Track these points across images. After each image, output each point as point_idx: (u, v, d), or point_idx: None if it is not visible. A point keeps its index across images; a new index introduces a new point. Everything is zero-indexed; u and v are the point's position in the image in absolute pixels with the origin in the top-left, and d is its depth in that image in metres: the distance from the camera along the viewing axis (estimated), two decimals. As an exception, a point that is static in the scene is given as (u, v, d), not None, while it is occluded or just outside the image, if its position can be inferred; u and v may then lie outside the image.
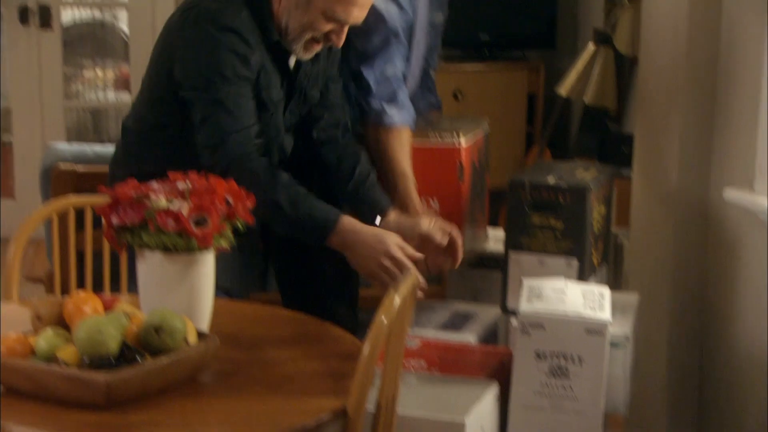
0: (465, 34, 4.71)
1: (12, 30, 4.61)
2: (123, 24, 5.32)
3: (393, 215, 2.19)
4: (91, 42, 5.49)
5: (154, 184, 1.64)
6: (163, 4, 4.73)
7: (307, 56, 2.14)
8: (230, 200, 1.65)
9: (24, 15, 4.59)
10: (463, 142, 2.35)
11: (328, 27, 2.07)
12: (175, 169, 1.70)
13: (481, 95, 4.69)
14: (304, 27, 2.07)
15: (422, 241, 2.14)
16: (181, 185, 1.64)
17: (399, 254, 2.02)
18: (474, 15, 4.70)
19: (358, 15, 2.07)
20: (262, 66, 2.08)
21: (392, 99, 2.31)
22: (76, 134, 5.16)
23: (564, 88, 3.60)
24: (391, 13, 2.29)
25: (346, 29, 2.10)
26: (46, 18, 4.61)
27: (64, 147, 2.94)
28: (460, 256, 2.19)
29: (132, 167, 2.11)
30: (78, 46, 5.38)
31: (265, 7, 2.09)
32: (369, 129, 2.33)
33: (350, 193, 2.23)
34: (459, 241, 2.18)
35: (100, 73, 5.51)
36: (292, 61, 2.17)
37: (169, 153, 2.12)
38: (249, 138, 2.03)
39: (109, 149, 3.00)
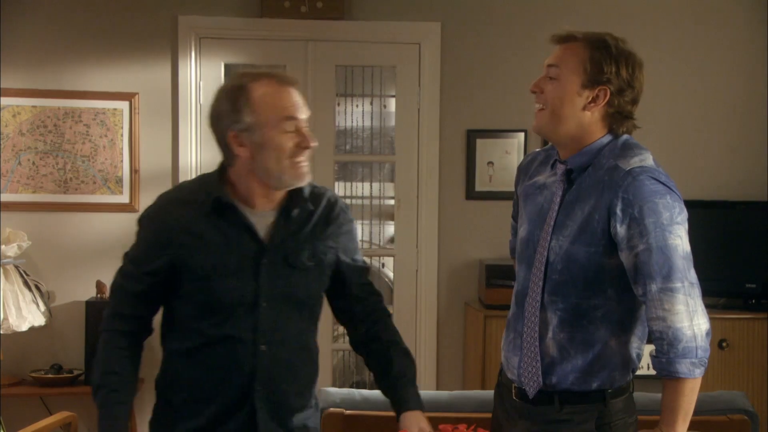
0: (731, 284, 4.62)
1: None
2: (389, 270, 5.61)
3: (413, 418, 2.24)
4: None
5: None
6: (427, 254, 4.99)
7: (304, 179, 2.26)
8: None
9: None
10: None
11: (292, 140, 2.21)
12: None
13: (749, 345, 4.52)
14: (278, 155, 2.21)
15: None
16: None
17: None
18: (740, 264, 4.63)
19: (301, 106, 2.25)
20: (193, 233, 2.24)
21: None
22: (340, 375, 5.37)
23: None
24: None
25: (305, 128, 2.24)
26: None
27: (334, 391, 3.08)
28: None
29: None
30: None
31: (215, 177, 2.31)
32: None
33: (386, 387, 2.37)
34: None
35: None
36: (260, 222, 2.27)
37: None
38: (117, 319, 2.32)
39: (375, 393, 3.12)
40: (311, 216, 2.34)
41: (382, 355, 2.40)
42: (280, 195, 2.30)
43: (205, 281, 2.24)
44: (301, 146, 2.23)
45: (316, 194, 2.38)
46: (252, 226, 2.27)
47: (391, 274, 5.38)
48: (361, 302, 2.44)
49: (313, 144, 2.25)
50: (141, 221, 2.35)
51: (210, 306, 2.25)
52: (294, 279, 2.31)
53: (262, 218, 2.28)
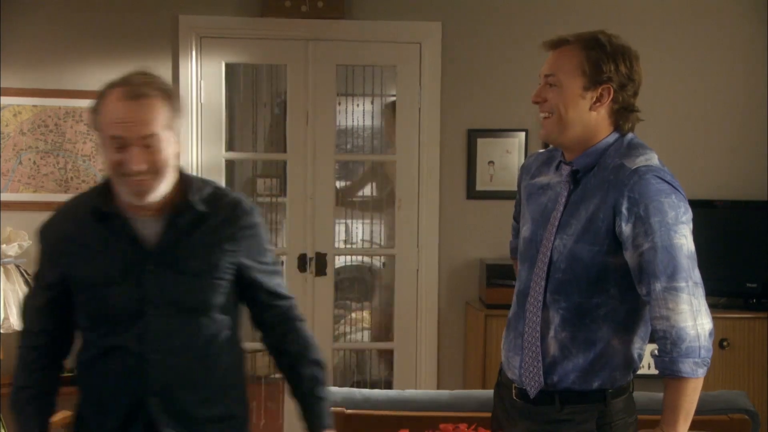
0: (731, 283, 4.63)
1: (290, 276, 4.90)
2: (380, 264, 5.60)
3: None
4: (358, 285, 5.77)
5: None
6: (427, 253, 4.99)
7: (140, 198, 2.15)
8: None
9: (302, 262, 4.93)
10: None
11: (116, 156, 2.13)
12: None
13: (750, 345, 4.53)
14: (108, 167, 2.17)
15: None
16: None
17: None
18: (740, 264, 4.63)
19: (138, 125, 2.11)
20: (79, 244, 2.22)
21: None
22: (340, 374, 5.36)
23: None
24: None
25: (136, 148, 2.11)
26: (322, 266, 4.92)
27: (335, 390, 3.07)
28: None
29: None
30: (347, 289, 5.68)
31: (102, 184, 2.27)
32: None
33: (297, 400, 2.35)
34: None
35: (366, 314, 5.75)
36: (147, 229, 2.20)
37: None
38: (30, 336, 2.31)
39: (376, 393, 3.12)
40: (205, 219, 2.25)
41: (290, 369, 2.36)
42: (160, 201, 2.21)
43: (90, 291, 2.22)
44: (122, 166, 2.14)
45: (217, 196, 2.29)
46: (134, 233, 2.21)
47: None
48: (269, 308, 2.36)
49: (136, 168, 2.12)
50: (37, 235, 2.33)
51: (97, 316, 2.24)
52: (184, 285, 2.22)
53: (148, 224, 2.21)
